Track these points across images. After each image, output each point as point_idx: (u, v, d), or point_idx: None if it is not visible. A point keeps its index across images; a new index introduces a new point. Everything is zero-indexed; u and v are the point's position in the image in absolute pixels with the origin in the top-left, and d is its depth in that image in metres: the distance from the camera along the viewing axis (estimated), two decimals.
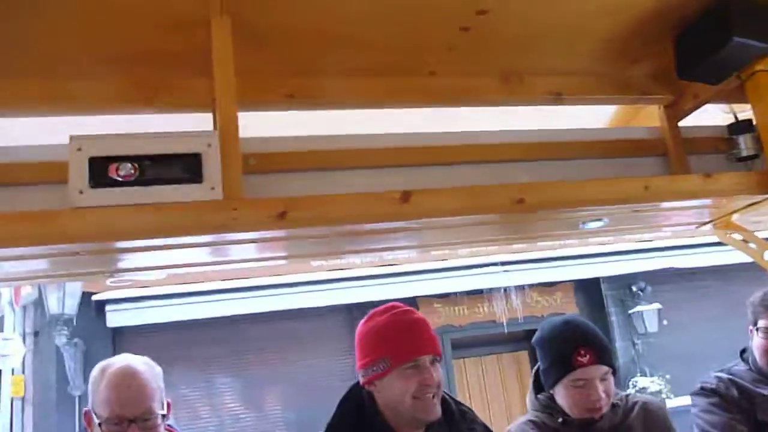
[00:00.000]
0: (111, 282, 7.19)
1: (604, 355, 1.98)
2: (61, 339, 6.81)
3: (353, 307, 8.10)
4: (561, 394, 2.02)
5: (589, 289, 9.04)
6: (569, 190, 1.87)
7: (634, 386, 7.70)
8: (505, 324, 8.42)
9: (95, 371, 1.65)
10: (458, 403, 1.91)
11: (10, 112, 1.79)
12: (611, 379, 2.01)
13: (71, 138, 1.54)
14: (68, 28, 1.64)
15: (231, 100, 1.66)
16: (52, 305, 6.53)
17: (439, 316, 8.31)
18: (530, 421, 2.09)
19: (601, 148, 2.21)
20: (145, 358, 1.70)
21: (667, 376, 8.23)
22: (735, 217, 2.26)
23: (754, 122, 2.24)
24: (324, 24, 1.78)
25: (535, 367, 2.19)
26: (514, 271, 8.35)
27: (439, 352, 1.79)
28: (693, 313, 8.87)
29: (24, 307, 7.18)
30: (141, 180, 1.55)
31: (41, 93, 1.76)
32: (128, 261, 1.78)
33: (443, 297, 8.38)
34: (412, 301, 8.09)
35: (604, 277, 8.90)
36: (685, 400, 2.39)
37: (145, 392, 1.60)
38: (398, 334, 1.78)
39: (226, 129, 1.63)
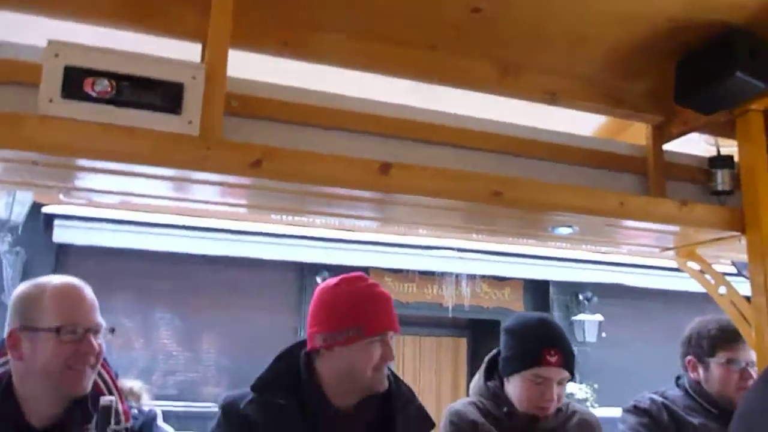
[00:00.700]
0: (64, 197, 7.02)
1: (569, 361, 2.03)
2: (3, 245, 6.63)
3: (305, 267, 8.08)
4: (516, 385, 2.05)
5: (537, 290, 9.20)
6: (548, 192, 1.86)
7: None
8: (450, 309, 8.52)
9: (28, 289, 1.55)
10: (398, 380, 1.91)
11: None
12: (566, 385, 2.06)
13: (49, 42, 1.45)
14: None
15: (224, 36, 1.59)
16: None
17: (388, 289, 8.31)
18: (474, 404, 2.11)
19: (583, 156, 2.20)
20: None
21: (596, 386, 8.47)
22: (699, 249, 2.29)
23: (736, 159, 2.26)
24: None
25: (492, 354, 2.21)
26: (469, 260, 8.42)
27: (398, 328, 1.79)
28: (632, 331, 9.12)
29: None
30: (116, 100, 1.47)
31: None
32: (87, 180, 1.70)
33: (396, 272, 8.42)
34: (365, 271, 8.08)
35: (554, 281, 9.06)
36: (608, 411, 2.44)
37: (94, 305, 1.57)
38: (374, 306, 1.76)
39: (215, 64, 1.56)
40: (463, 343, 9.22)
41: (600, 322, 8.87)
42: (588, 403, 8.23)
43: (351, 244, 8.01)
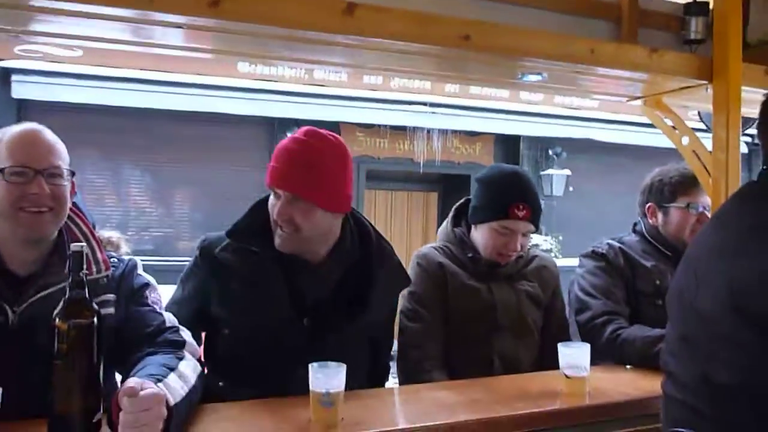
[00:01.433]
0: (19, 50, 6.68)
1: (536, 215, 2.10)
2: None
3: (275, 121, 7.98)
4: (482, 234, 2.13)
5: (508, 145, 9.27)
6: (517, 37, 1.82)
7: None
8: (421, 164, 8.59)
9: None
10: (379, 236, 1.94)
11: None
12: (529, 237, 2.15)
13: None
14: None
15: None
16: None
17: (359, 145, 8.34)
18: (441, 248, 2.20)
19: (555, 1, 2.13)
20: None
21: (560, 237, 8.81)
22: (666, 98, 2.29)
23: (711, 6, 2.21)
24: None
25: (460, 202, 2.28)
26: (440, 115, 8.37)
27: (294, 189, 1.71)
28: (599, 185, 9.35)
29: None
30: None
31: None
32: (40, 24, 1.61)
33: (367, 127, 8.37)
34: (335, 126, 8.04)
35: (524, 136, 9.11)
36: (571, 262, 2.55)
37: (52, 148, 1.51)
38: (274, 159, 1.77)
39: None
40: (434, 197, 9.38)
41: (568, 176, 9.07)
42: (552, 254, 8.59)
43: (322, 99, 7.88)
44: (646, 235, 2.34)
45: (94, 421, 1.29)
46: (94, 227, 1.67)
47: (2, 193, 1.46)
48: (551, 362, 2.05)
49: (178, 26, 1.55)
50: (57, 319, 1.27)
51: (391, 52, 1.79)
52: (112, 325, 1.51)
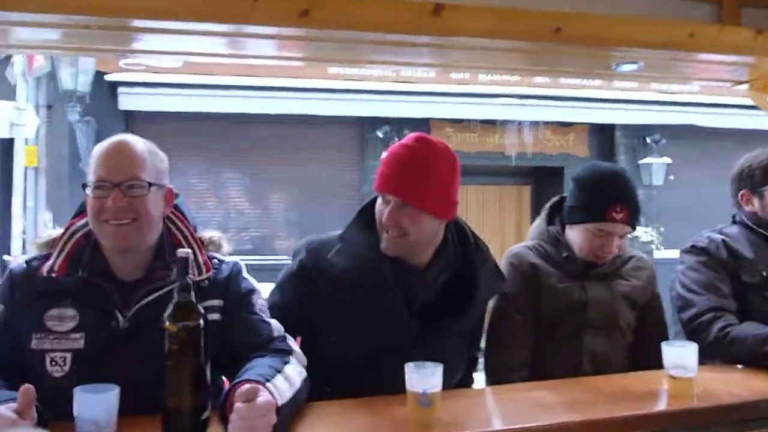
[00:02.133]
0: (124, 64, 7.09)
1: (634, 217, 2.03)
2: (74, 115, 6.85)
3: (365, 121, 8.08)
4: (578, 234, 2.08)
5: (602, 134, 8.97)
6: (610, 25, 1.76)
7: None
8: (513, 157, 8.46)
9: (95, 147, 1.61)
10: (476, 237, 1.95)
11: None
12: (627, 237, 2.09)
13: None
14: None
15: None
16: (65, 80, 6.48)
17: (449, 140, 8.29)
18: (534, 247, 2.16)
19: None
20: (148, 142, 1.62)
21: (661, 229, 8.44)
22: None
23: None
24: None
25: (554, 199, 2.24)
26: (530, 106, 8.21)
27: (404, 196, 1.73)
28: (701, 172, 8.88)
29: (37, 80, 7.14)
30: None
31: None
32: (142, 42, 1.71)
33: (456, 122, 8.32)
34: (425, 123, 8.05)
35: (620, 124, 8.78)
36: (673, 253, 2.45)
37: (134, 159, 1.53)
38: (383, 166, 1.79)
39: None
40: (527, 191, 9.21)
41: (668, 165, 8.67)
42: (653, 246, 8.25)
43: (410, 96, 7.89)
44: (748, 223, 2.22)
45: (203, 418, 1.35)
46: (195, 230, 1.71)
47: (89, 207, 1.54)
48: (646, 364, 2.00)
49: (271, 37, 1.60)
50: (167, 322, 1.34)
51: (480, 49, 1.78)
52: (218, 332, 1.54)
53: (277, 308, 1.83)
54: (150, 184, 1.54)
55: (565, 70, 2.15)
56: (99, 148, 1.56)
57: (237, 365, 1.52)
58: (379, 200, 1.80)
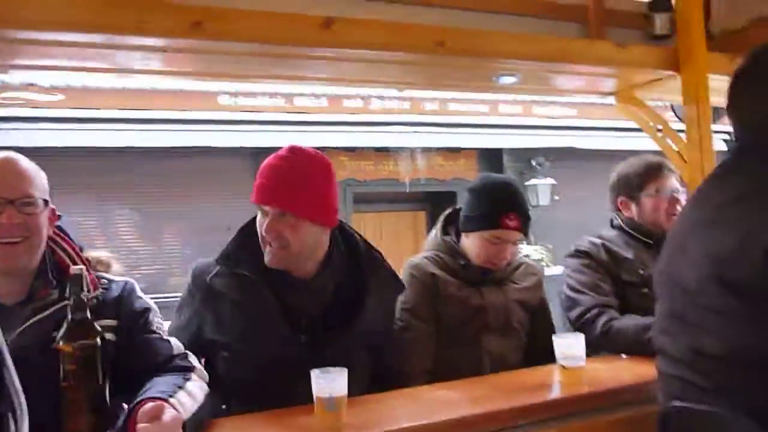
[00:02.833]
0: (2, 98, 6.71)
1: (526, 224, 2.15)
2: None
3: (259, 152, 8.01)
4: (473, 242, 2.17)
5: (491, 159, 9.35)
6: (490, 40, 1.88)
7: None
8: (407, 183, 8.65)
9: None
10: (369, 246, 1.97)
11: None
12: (519, 244, 2.20)
13: None
14: None
15: None
16: None
17: (344, 168, 8.39)
18: (431, 257, 2.23)
19: (525, 6, 2.20)
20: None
21: (550, 246, 8.85)
22: (637, 92, 2.36)
23: (673, 2, 2.29)
24: None
25: (448, 211, 2.32)
26: (422, 133, 8.46)
27: (290, 208, 1.72)
28: (583, 191, 9.42)
29: None
30: None
31: None
32: (21, 56, 1.65)
33: (350, 150, 8.43)
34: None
35: (506, 149, 9.21)
36: (561, 270, 2.59)
37: (26, 176, 1.49)
38: (259, 175, 1.78)
39: None
40: (422, 216, 9.43)
41: (553, 185, 9.15)
42: (543, 263, 8.62)
43: (304, 126, 7.94)
44: (624, 228, 2.39)
45: None
46: (81, 250, 1.65)
47: None
48: (538, 362, 2.10)
49: (162, 50, 1.59)
50: (61, 342, 1.29)
51: (369, 62, 1.84)
52: (114, 352, 1.48)
53: (176, 329, 1.82)
54: (44, 201, 1.50)
55: (450, 84, 2.26)
56: None
57: (136, 386, 1.46)
58: (259, 214, 1.79)
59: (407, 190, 8.69)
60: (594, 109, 9.28)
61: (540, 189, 9.06)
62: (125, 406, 1.56)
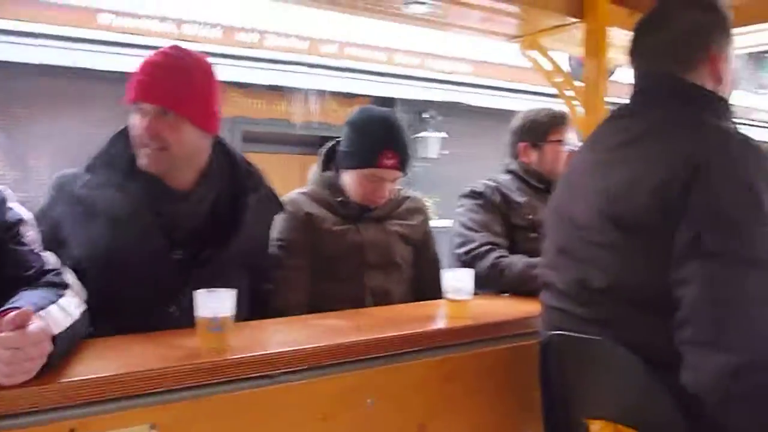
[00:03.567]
0: None
1: (405, 163, 2.11)
2: None
3: None
4: (352, 179, 2.12)
5: (384, 107, 9.32)
6: None
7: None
8: (299, 125, 8.48)
9: None
10: (249, 164, 1.88)
11: None
12: (398, 182, 2.17)
13: None
14: None
15: None
16: None
17: (234, 105, 8.09)
18: (309, 193, 2.18)
19: None
20: None
21: (437, 199, 9.04)
22: (541, 39, 2.39)
23: None
24: None
25: (329, 144, 2.25)
26: (317, 75, 8.29)
27: (173, 106, 1.63)
28: (471, 148, 9.66)
29: None
30: None
31: None
32: None
33: (241, 86, 8.11)
34: None
35: (399, 99, 9.22)
36: (448, 222, 2.63)
37: None
38: (136, 74, 1.66)
39: None
40: (313, 160, 9.27)
41: (442, 139, 9.30)
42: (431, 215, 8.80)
43: None
44: (519, 173, 2.45)
45: None
46: None
47: None
48: (424, 296, 2.13)
49: None
50: None
51: None
52: None
53: None
54: None
55: (358, 5, 2.18)
56: None
57: (2, 301, 1.31)
58: (134, 117, 1.67)
59: (298, 132, 8.52)
60: (488, 68, 9.48)
61: (430, 142, 9.19)
62: None
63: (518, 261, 2.19)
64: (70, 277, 1.50)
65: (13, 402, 1.15)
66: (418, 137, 9.20)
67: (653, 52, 1.49)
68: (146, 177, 1.69)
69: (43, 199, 1.73)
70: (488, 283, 2.18)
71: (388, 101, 9.21)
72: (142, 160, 1.66)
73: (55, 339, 1.21)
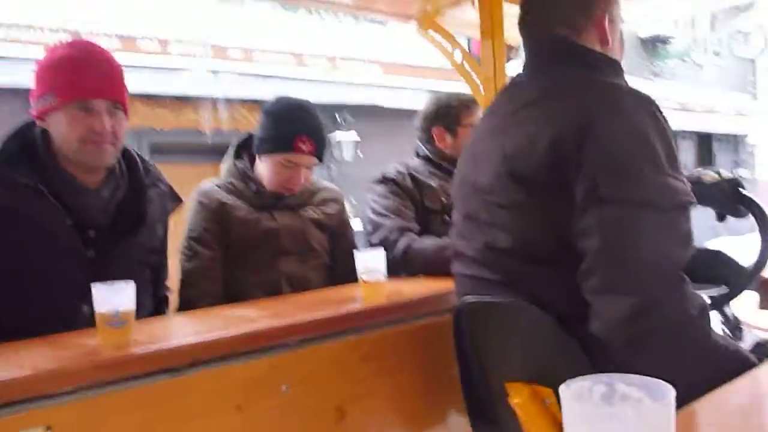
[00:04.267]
0: None
1: (321, 149, 2.11)
2: None
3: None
4: (266, 166, 2.11)
5: None
6: None
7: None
8: (209, 134, 8.28)
9: None
10: (144, 161, 1.85)
11: None
12: (314, 169, 2.16)
13: None
14: None
15: None
16: None
17: (140, 116, 7.81)
18: (223, 185, 2.15)
19: None
20: None
21: (353, 201, 9.03)
22: (438, 18, 2.41)
23: None
24: None
25: (243, 136, 2.25)
26: (224, 81, 8.12)
27: (121, 99, 1.64)
28: (385, 148, 9.69)
29: None
30: None
31: None
32: None
33: (146, 97, 7.84)
34: None
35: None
36: None
37: None
38: (67, 70, 1.58)
39: None
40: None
41: (357, 142, 9.30)
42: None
43: None
44: (431, 157, 2.46)
45: None
46: None
47: None
48: (343, 282, 2.11)
49: None
50: None
51: None
52: None
53: None
54: None
55: None
56: None
57: None
58: (70, 114, 1.59)
59: (209, 142, 8.31)
60: (398, 68, 9.57)
61: (344, 145, 9.17)
62: None
63: (428, 245, 2.20)
64: None
65: None
66: (332, 140, 9.17)
67: (542, 18, 1.52)
68: (59, 175, 1.63)
69: None
70: (401, 268, 2.18)
71: None
72: (97, 158, 1.64)
73: None
